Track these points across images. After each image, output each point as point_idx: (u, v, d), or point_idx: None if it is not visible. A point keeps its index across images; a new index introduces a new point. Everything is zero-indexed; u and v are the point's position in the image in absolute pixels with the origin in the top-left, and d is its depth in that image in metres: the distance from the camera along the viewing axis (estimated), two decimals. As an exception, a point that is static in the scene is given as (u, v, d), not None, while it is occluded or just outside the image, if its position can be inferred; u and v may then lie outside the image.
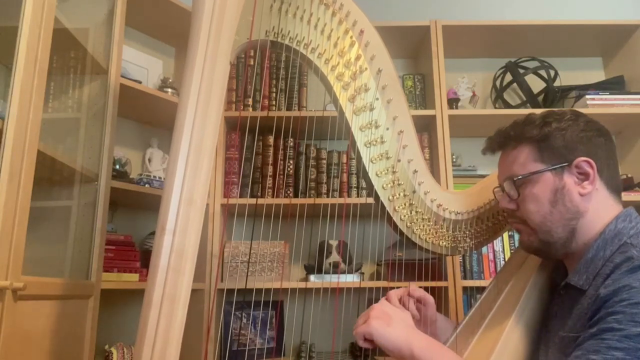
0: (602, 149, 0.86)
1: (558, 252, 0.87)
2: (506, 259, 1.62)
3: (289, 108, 1.88)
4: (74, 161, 1.30)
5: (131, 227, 1.77)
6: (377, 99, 0.96)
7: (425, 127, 1.95)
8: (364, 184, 1.82)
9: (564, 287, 0.85)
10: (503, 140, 0.92)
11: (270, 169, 1.83)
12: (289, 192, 1.83)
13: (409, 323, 0.81)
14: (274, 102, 1.88)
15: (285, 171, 1.83)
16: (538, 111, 2.12)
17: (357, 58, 0.94)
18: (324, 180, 1.85)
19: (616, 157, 0.88)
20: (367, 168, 0.96)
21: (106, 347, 1.47)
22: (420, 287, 1.05)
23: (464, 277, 1.77)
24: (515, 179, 0.87)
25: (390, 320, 0.79)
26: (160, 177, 1.71)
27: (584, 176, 0.84)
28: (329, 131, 1.76)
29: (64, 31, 1.21)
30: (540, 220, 0.85)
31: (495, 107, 2.08)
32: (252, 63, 1.91)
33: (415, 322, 1.06)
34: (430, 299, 1.04)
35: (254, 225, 1.92)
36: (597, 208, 0.84)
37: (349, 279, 1.74)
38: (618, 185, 0.87)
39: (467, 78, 2.06)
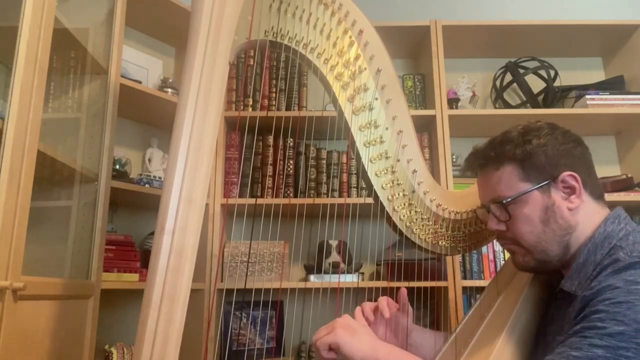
0: (582, 160, 0.86)
1: (555, 267, 0.87)
2: (506, 259, 1.62)
3: (288, 108, 1.88)
4: (74, 161, 1.30)
5: (131, 227, 1.77)
6: (377, 98, 0.96)
7: (425, 127, 1.95)
8: (363, 184, 1.82)
9: (560, 291, 0.85)
10: (484, 162, 0.90)
11: (270, 168, 1.83)
12: (288, 192, 1.83)
13: (372, 334, 0.83)
14: (273, 102, 1.88)
15: (285, 171, 1.83)
16: (538, 111, 2.11)
17: (356, 58, 0.94)
18: (324, 180, 1.85)
19: (593, 164, 0.88)
20: (366, 168, 0.96)
21: (106, 347, 1.47)
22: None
23: (464, 277, 1.76)
24: (504, 201, 0.86)
25: (354, 331, 0.80)
26: (160, 177, 1.71)
27: (570, 190, 0.84)
28: (329, 131, 1.76)
29: (64, 31, 1.21)
30: (534, 240, 0.85)
31: (495, 107, 2.08)
32: (252, 63, 1.91)
33: (388, 330, 1.04)
34: (410, 309, 1.04)
35: (253, 225, 1.92)
36: (587, 219, 0.84)
37: (349, 279, 1.74)
38: (601, 191, 0.88)
39: (467, 78, 2.06)
